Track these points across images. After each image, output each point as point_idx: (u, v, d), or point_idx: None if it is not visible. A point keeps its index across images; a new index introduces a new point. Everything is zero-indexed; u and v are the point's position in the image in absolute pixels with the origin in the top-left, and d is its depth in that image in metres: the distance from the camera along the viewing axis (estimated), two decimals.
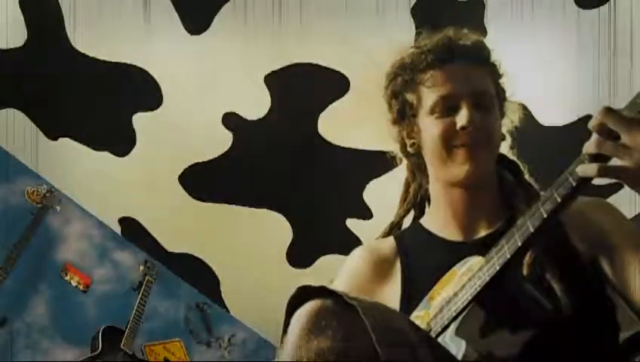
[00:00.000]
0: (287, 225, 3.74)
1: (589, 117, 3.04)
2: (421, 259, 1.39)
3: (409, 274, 1.37)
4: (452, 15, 2.88)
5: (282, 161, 3.47)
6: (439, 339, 1.14)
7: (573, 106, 3.08)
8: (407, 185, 1.54)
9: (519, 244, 1.07)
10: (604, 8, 2.75)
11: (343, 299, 0.98)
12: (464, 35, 1.38)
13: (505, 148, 1.42)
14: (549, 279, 1.16)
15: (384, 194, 3.49)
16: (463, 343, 1.09)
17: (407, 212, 1.51)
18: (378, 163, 3.39)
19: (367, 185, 3.48)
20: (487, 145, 1.31)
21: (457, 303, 1.14)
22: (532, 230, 1.05)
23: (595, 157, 1.00)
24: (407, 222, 1.55)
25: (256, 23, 2.93)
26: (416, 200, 1.50)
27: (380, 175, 3.42)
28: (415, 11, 2.85)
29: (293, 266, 3.89)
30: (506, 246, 1.10)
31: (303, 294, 1.03)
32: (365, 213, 3.58)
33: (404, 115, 1.40)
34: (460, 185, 1.33)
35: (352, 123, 3.27)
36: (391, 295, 1.37)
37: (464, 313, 1.13)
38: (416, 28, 2.90)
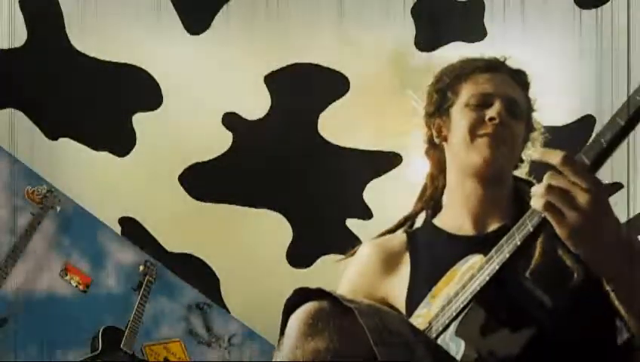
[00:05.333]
0: (287, 225, 3.74)
1: (589, 117, 3.05)
2: (430, 254, 1.41)
3: (417, 269, 1.40)
4: (452, 15, 2.88)
5: (282, 161, 3.47)
6: (440, 339, 1.14)
7: (573, 106, 3.08)
8: (426, 185, 1.57)
9: (518, 243, 1.09)
10: (604, 8, 2.75)
11: (340, 300, 0.99)
12: (511, 61, 1.48)
13: (522, 173, 1.48)
14: (560, 254, 1.18)
15: (384, 194, 3.51)
16: (463, 343, 1.10)
17: (421, 210, 1.55)
18: (378, 163, 3.41)
19: (367, 185, 3.48)
20: (509, 145, 1.37)
21: (457, 302, 1.15)
22: (531, 229, 1.07)
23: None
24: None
25: (256, 23, 2.93)
26: (433, 199, 1.53)
27: (380, 175, 3.42)
28: (415, 11, 2.85)
29: (293, 266, 3.89)
30: (506, 246, 1.11)
31: (300, 296, 1.04)
32: (365, 213, 3.58)
33: (440, 107, 1.46)
34: (478, 174, 1.37)
35: (352, 123, 3.27)
36: (399, 289, 1.40)
37: (464, 312, 1.13)
38: (417, 28, 2.90)
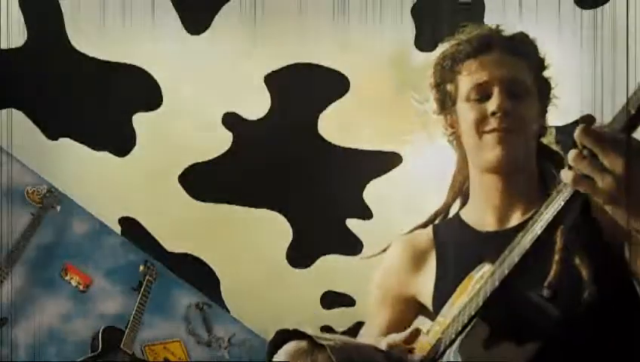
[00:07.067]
0: (287, 225, 3.74)
1: (589, 117, 3.05)
2: (455, 250, 1.39)
3: (443, 266, 1.38)
4: (452, 15, 2.88)
5: (282, 161, 3.47)
6: (446, 354, 1.14)
7: (573, 106, 3.08)
8: (455, 175, 1.53)
9: (527, 247, 1.05)
10: (604, 8, 2.75)
11: (315, 340, 1.13)
12: (505, 29, 1.41)
13: (550, 140, 1.44)
14: (577, 265, 1.15)
15: (384, 194, 3.51)
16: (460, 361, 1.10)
17: (453, 200, 1.51)
18: (378, 163, 3.41)
19: (367, 185, 3.48)
20: (520, 131, 1.32)
21: (464, 316, 1.14)
22: (539, 233, 1.04)
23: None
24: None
25: (256, 23, 2.93)
26: (462, 189, 1.50)
27: (380, 175, 3.42)
28: (415, 11, 2.85)
29: (293, 266, 3.89)
30: (507, 259, 1.08)
31: (281, 338, 1.18)
32: (365, 213, 3.58)
33: (444, 104, 1.43)
34: (493, 171, 1.34)
35: (352, 123, 3.27)
36: (426, 287, 1.39)
37: (469, 326, 1.12)
38: (417, 28, 2.90)
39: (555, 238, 1.13)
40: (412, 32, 2.90)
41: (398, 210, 3.24)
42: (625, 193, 0.94)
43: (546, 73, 1.43)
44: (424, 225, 1.50)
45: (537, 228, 1.04)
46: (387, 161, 3.36)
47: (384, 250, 1.52)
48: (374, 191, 3.49)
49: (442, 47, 1.44)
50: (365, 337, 1.45)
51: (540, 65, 1.42)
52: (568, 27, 2.81)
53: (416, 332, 1.22)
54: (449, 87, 1.40)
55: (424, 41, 2.91)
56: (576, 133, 0.95)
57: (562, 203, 1.01)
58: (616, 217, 0.99)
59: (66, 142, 3.54)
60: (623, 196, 0.94)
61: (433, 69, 1.45)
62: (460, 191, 1.50)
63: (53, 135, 3.54)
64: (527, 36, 1.42)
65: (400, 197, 3.37)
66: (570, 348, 1.14)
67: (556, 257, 1.15)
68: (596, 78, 2.83)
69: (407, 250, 1.46)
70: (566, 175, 0.97)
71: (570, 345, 1.14)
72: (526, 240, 1.05)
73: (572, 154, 0.96)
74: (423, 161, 3.26)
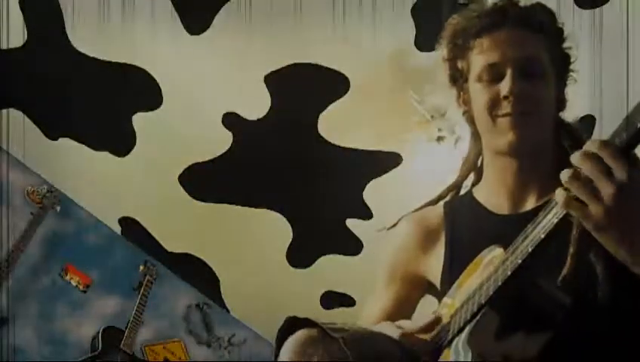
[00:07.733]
0: (287, 225, 3.74)
1: (589, 117, 3.05)
2: (466, 229, 1.35)
3: (453, 245, 1.35)
4: (452, 15, 2.87)
5: (282, 161, 3.47)
6: (453, 344, 1.11)
7: (573, 106, 3.07)
8: (470, 149, 1.46)
9: (530, 250, 1.02)
10: (604, 8, 2.75)
11: (326, 331, 1.07)
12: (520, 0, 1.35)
13: (570, 116, 1.37)
14: (592, 261, 1.12)
15: (384, 194, 3.51)
16: (469, 354, 1.07)
17: (466, 176, 1.45)
18: (378, 163, 3.41)
19: (367, 185, 3.48)
20: (535, 113, 1.27)
21: (473, 304, 1.11)
22: (555, 221, 0.99)
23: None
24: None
25: (256, 23, 2.93)
26: (476, 164, 1.44)
27: (380, 175, 3.42)
28: (415, 11, 2.85)
29: (293, 266, 3.89)
30: (520, 248, 1.05)
31: (291, 325, 1.14)
32: (365, 213, 3.58)
33: (455, 80, 1.37)
34: (507, 154, 1.29)
35: (352, 123, 3.27)
36: (434, 265, 1.36)
37: (479, 315, 1.09)
38: (417, 28, 2.90)
39: (572, 227, 1.08)
40: (412, 31, 2.90)
41: (398, 210, 3.24)
42: (615, 222, 0.92)
43: (564, 45, 1.35)
44: (435, 202, 1.45)
45: (552, 215, 0.99)
46: (387, 161, 3.36)
47: (394, 225, 1.47)
48: (374, 191, 3.49)
49: (454, 20, 1.38)
50: (369, 317, 1.41)
51: (558, 37, 1.35)
52: (568, 27, 2.81)
53: (437, 321, 1.17)
54: (460, 63, 1.35)
55: (424, 41, 2.91)
56: (593, 146, 0.91)
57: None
58: (603, 244, 0.97)
59: (66, 142, 3.54)
60: (613, 225, 0.93)
61: (445, 43, 1.39)
62: (474, 166, 1.44)
63: (53, 135, 3.54)
64: (544, 7, 1.36)
65: (400, 197, 3.37)
66: (582, 338, 1.12)
67: (571, 250, 1.11)
68: (596, 78, 2.83)
69: (416, 227, 1.42)
70: (559, 194, 0.95)
71: (582, 334, 1.12)
72: (540, 229, 1.01)
73: (566, 174, 0.93)
74: (422, 161, 3.26)
